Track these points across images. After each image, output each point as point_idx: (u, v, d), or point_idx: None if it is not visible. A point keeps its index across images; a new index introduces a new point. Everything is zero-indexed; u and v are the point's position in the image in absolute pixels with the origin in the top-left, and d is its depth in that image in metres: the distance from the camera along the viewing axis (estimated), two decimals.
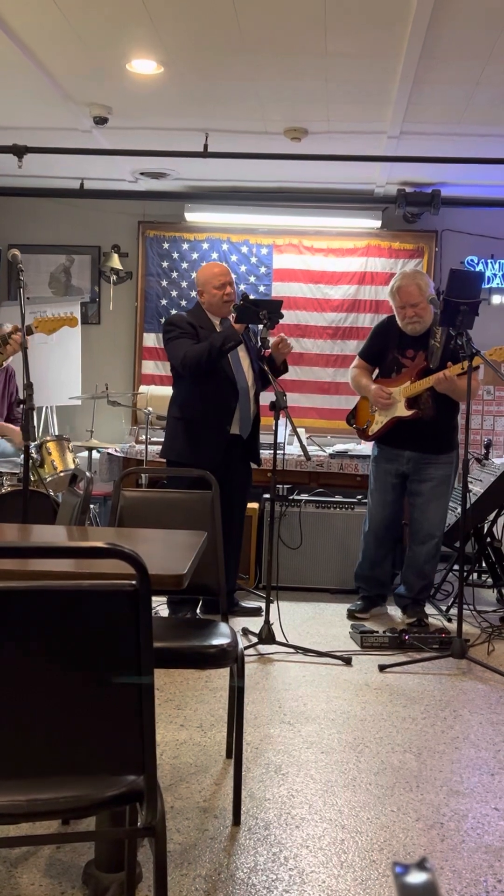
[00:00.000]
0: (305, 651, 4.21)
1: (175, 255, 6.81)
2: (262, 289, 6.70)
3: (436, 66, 4.17)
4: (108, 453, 6.06)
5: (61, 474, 5.09)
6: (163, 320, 6.71)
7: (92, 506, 5.51)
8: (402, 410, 4.72)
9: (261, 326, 4.28)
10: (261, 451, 4.77)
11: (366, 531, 5.01)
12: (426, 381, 4.61)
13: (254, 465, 4.77)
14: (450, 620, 4.88)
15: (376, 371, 4.96)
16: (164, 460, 4.70)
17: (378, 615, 4.99)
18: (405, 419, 4.70)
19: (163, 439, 4.73)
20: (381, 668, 4.04)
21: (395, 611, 5.04)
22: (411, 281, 4.66)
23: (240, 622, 4.61)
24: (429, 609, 5.16)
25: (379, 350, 4.91)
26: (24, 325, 3.84)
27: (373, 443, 4.97)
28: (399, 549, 5.28)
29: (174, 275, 6.82)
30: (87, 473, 2.90)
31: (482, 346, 4.56)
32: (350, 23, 3.74)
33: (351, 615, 4.92)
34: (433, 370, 4.62)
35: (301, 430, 5.62)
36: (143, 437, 5.62)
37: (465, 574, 4.78)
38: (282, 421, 4.19)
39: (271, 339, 4.38)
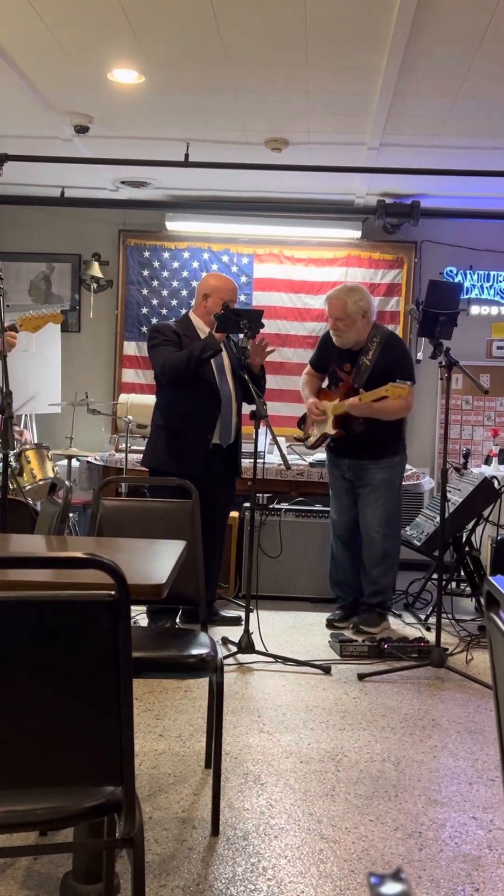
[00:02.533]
0: (285, 660, 4.21)
1: (156, 264, 6.81)
2: (242, 298, 6.71)
3: (416, 80, 4.21)
4: (88, 462, 6.04)
5: (40, 483, 5.07)
6: (144, 329, 6.75)
7: (71, 514, 5.49)
8: (329, 428, 4.80)
9: (241, 336, 4.30)
10: (241, 461, 4.78)
11: (331, 537, 5.05)
12: (342, 404, 4.70)
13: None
14: (428, 629, 4.90)
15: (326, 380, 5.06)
16: (145, 469, 4.69)
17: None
18: (333, 437, 4.81)
19: (143, 447, 4.72)
20: (361, 676, 4.05)
21: None
22: (339, 295, 4.77)
23: (219, 631, 4.61)
24: (408, 618, 5.18)
25: (323, 359, 5.01)
26: (4, 331, 3.82)
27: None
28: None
29: (155, 283, 6.82)
30: (67, 482, 2.90)
31: (460, 357, 4.59)
32: (331, 35, 3.77)
33: (330, 624, 4.92)
34: (356, 390, 4.70)
35: (281, 439, 5.63)
36: (123, 445, 5.60)
37: (444, 583, 4.79)
38: (262, 430, 4.20)
39: (249, 351, 4.39)
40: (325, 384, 5.05)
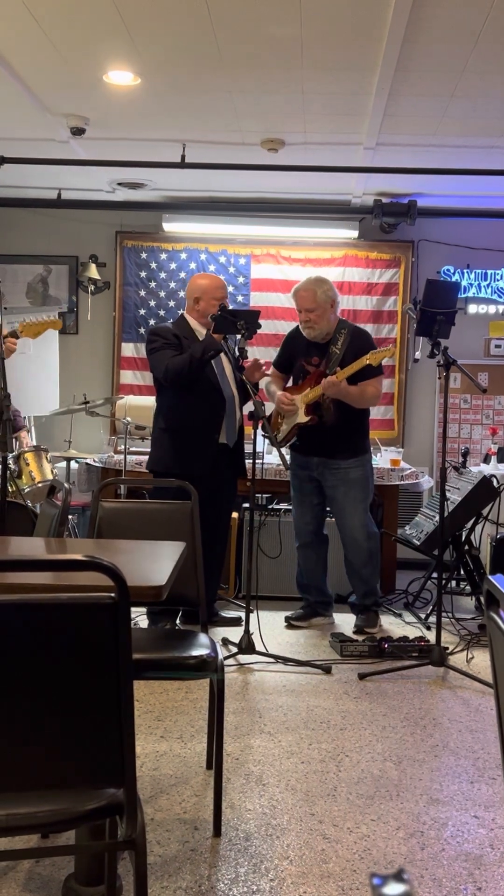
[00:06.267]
0: (285, 660, 4.21)
1: (153, 265, 6.81)
2: (240, 299, 6.71)
3: (411, 79, 4.21)
4: (87, 463, 6.04)
5: (39, 485, 5.06)
6: (142, 330, 6.74)
7: (70, 516, 5.49)
8: (301, 417, 4.76)
9: (239, 336, 4.29)
10: (245, 461, 4.78)
11: (295, 541, 5.01)
12: (319, 387, 4.66)
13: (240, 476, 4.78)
14: (429, 628, 4.90)
15: (291, 380, 5.02)
16: (147, 470, 4.69)
17: (321, 625, 4.94)
18: (304, 425, 4.75)
19: (142, 449, 4.71)
20: (361, 676, 4.05)
21: (340, 620, 5.02)
22: (308, 286, 4.74)
23: (219, 632, 4.61)
24: (408, 617, 5.18)
25: (287, 358, 5.00)
26: (4, 336, 3.83)
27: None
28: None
29: (152, 284, 6.82)
30: (66, 484, 2.90)
31: (458, 356, 4.59)
32: (326, 35, 3.77)
33: (288, 623, 4.92)
34: (327, 377, 4.67)
35: None
36: (122, 446, 5.60)
37: (444, 582, 4.79)
38: (260, 430, 4.20)
39: (248, 352, 4.38)
40: (289, 383, 5.02)
